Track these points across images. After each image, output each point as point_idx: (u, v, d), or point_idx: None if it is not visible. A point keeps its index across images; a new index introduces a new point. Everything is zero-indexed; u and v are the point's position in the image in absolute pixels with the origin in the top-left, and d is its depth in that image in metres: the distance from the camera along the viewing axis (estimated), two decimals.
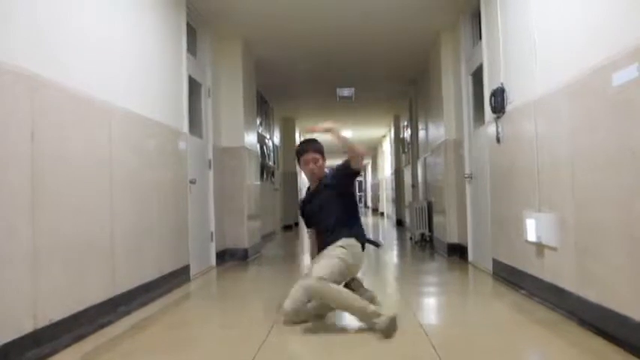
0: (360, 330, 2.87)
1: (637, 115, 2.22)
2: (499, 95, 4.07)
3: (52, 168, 2.62)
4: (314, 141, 3.35)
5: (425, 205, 7.63)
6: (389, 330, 2.69)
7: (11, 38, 2.36)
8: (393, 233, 10.84)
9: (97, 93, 3.12)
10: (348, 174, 3.15)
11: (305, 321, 2.95)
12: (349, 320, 2.99)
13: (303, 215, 3.47)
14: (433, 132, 7.00)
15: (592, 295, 2.69)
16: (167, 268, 4.17)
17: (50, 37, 2.67)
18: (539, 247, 3.37)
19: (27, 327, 2.38)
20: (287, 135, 12.52)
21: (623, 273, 2.39)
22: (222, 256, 5.92)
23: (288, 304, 2.94)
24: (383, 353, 2.55)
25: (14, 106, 2.36)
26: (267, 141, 9.91)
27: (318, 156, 3.28)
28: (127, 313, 3.35)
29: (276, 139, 11.38)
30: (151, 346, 2.74)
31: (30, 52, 2.49)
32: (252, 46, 6.63)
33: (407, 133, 10.56)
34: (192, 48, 5.31)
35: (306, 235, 9.30)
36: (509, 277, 4.05)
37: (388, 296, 4.09)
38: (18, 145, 2.37)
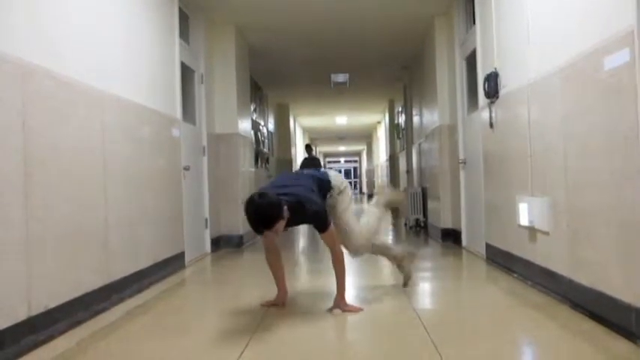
0: (350, 313, 2.90)
1: (628, 100, 2.23)
2: (492, 80, 4.07)
3: (44, 156, 2.61)
4: (264, 218, 2.66)
5: (419, 190, 7.65)
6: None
7: (0, 25, 2.34)
8: (387, 219, 10.86)
9: (89, 80, 3.10)
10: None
11: None
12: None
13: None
14: (427, 117, 7.00)
15: (583, 278, 2.72)
16: (162, 255, 4.18)
17: (41, 23, 2.65)
18: (532, 231, 3.40)
19: (21, 314, 2.38)
20: (281, 121, 12.50)
21: (614, 256, 2.41)
22: (217, 242, 5.93)
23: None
24: (376, 336, 2.57)
25: (4, 94, 2.34)
26: (261, 127, 9.88)
27: (274, 228, 2.70)
28: (122, 300, 3.37)
29: (271, 125, 11.36)
30: (146, 333, 2.76)
31: (20, 39, 2.46)
32: (245, 32, 6.59)
33: (401, 119, 10.56)
34: (184, 34, 5.27)
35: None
36: (503, 261, 4.08)
37: (383, 281, 4.12)
38: (9, 132, 2.36)
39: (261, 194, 2.72)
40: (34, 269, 2.48)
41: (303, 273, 4.50)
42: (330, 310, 2.98)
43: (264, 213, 2.65)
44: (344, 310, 2.94)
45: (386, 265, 4.91)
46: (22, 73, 2.45)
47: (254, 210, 2.65)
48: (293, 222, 2.92)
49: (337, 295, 3.00)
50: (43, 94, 2.63)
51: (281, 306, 3.14)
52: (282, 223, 2.73)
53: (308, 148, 12.39)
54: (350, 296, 3.39)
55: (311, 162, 11.50)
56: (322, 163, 12.83)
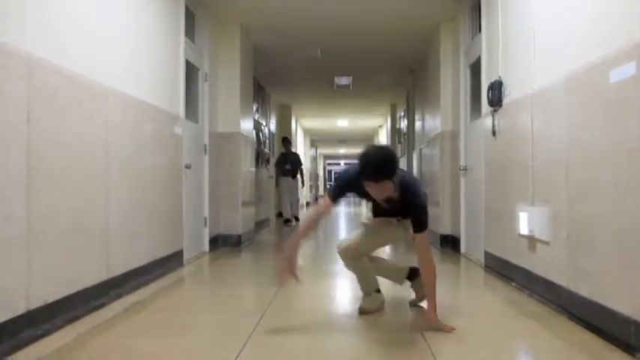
0: (349, 317, 2.90)
1: (633, 113, 2.23)
2: (496, 88, 4.07)
3: (47, 150, 2.61)
4: (382, 165, 2.47)
5: None
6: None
7: (6, 18, 2.34)
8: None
9: (94, 75, 3.10)
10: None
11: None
12: (338, 307, 3.02)
13: (341, 192, 2.79)
14: (429, 123, 7.01)
15: (582, 289, 2.72)
16: (161, 253, 4.18)
17: (47, 18, 2.65)
18: (532, 240, 3.40)
19: (20, 308, 2.38)
20: (283, 122, 12.49)
21: (614, 268, 2.41)
22: (216, 241, 5.93)
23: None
24: (374, 341, 2.57)
25: (9, 88, 2.34)
26: (263, 128, 9.87)
27: (381, 184, 2.51)
28: (120, 296, 3.36)
29: (272, 126, 11.35)
30: (144, 330, 2.76)
31: (26, 33, 2.47)
32: (250, 32, 6.60)
33: (403, 124, 10.56)
34: (190, 32, 5.27)
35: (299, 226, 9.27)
36: (501, 269, 4.08)
37: (380, 286, 4.12)
38: (13, 127, 2.36)
39: (381, 147, 2.59)
40: (34, 263, 2.48)
41: (307, 274, 4.49)
42: (417, 328, 2.70)
43: (384, 159, 2.45)
44: (434, 328, 2.64)
45: None
46: (27, 67, 2.45)
47: (375, 154, 2.46)
48: (391, 207, 2.73)
49: (428, 308, 2.71)
50: (48, 89, 2.63)
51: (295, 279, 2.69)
52: (390, 186, 2.50)
53: (285, 141, 10.43)
54: (347, 302, 3.40)
55: (288, 159, 10.03)
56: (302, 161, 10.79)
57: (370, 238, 3.03)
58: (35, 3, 2.54)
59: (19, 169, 2.39)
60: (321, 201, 2.92)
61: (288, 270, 2.66)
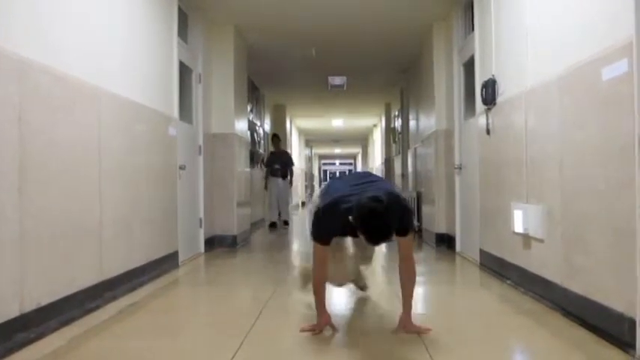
0: (345, 317, 2.89)
1: (625, 110, 2.24)
2: (490, 87, 4.08)
3: (40, 152, 2.59)
4: (386, 231, 2.30)
5: (414, 195, 7.66)
6: None
7: None
8: None
9: (87, 77, 3.08)
10: None
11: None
12: (334, 307, 3.02)
13: (330, 233, 2.62)
14: (424, 122, 7.02)
15: (577, 286, 2.73)
16: (155, 254, 4.16)
17: (39, 19, 2.63)
18: (526, 238, 3.41)
19: (13, 311, 2.37)
20: (278, 122, 12.48)
21: (607, 265, 2.42)
22: (211, 242, 5.91)
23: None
24: (370, 341, 2.57)
25: (0, 89, 2.32)
26: (257, 128, 9.84)
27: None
28: (115, 298, 3.35)
29: (267, 126, 11.33)
30: (139, 332, 2.75)
31: (18, 34, 2.45)
32: (244, 33, 6.59)
33: (398, 123, 10.57)
34: (183, 33, 5.26)
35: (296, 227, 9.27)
36: (496, 267, 4.09)
37: (376, 285, 4.12)
38: (5, 128, 2.34)
39: (375, 199, 2.28)
40: (27, 266, 2.47)
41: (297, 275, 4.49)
42: (395, 332, 2.64)
43: (389, 222, 2.27)
44: (410, 331, 2.60)
45: (378, 272, 4.92)
46: (19, 69, 2.44)
47: (381, 221, 2.26)
48: None
49: (404, 313, 2.64)
50: (40, 90, 2.61)
51: (318, 332, 2.63)
52: None
53: (275, 138, 9.65)
54: (342, 302, 3.40)
55: (278, 158, 9.34)
56: (294, 161, 10.15)
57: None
58: (26, 4, 2.52)
59: (11, 170, 2.38)
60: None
61: (326, 323, 2.66)
